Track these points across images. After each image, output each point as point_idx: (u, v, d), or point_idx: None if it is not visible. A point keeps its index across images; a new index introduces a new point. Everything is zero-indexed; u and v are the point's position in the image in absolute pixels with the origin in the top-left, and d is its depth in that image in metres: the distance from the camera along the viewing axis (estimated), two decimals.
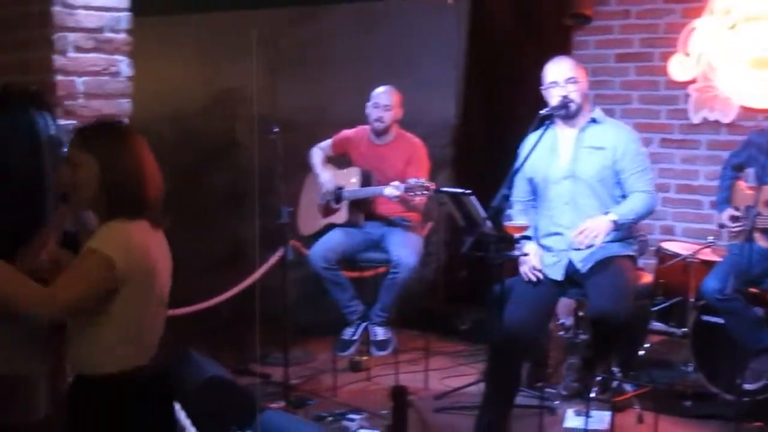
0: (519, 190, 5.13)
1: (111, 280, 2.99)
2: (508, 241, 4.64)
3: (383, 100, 6.55)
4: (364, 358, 6.47)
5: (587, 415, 5.05)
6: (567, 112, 5.01)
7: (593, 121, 5.10)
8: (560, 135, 5.12)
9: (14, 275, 2.96)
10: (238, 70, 6.83)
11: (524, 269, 5.08)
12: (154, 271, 3.12)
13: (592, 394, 5.40)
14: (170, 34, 7.15)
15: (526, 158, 4.85)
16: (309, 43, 7.70)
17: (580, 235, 4.84)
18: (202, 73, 7.64)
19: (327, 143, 6.81)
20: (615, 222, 4.88)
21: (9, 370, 3.42)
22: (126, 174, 3.10)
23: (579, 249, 4.94)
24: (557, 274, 5.06)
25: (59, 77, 4.23)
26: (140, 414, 3.17)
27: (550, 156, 5.09)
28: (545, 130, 4.94)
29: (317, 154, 6.79)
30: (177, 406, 4.74)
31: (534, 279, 5.02)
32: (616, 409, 5.23)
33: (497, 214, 4.57)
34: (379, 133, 6.59)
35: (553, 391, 5.69)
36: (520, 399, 5.19)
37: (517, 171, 4.81)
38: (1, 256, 3.03)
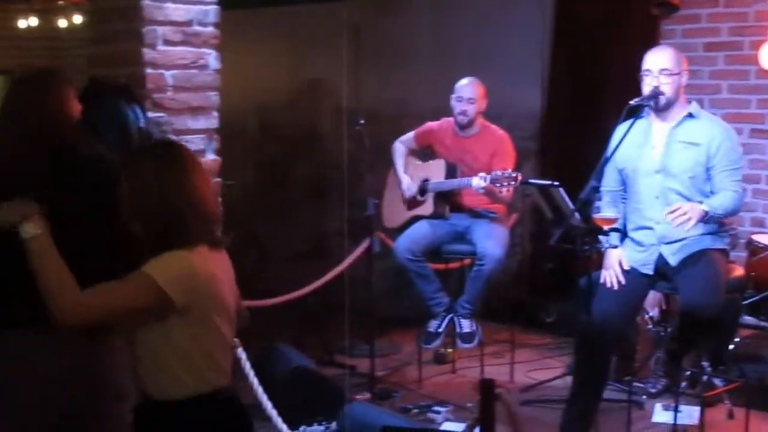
0: (608, 179, 5.05)
1: (149, 301, 2.93)
2: (596, 233, 4.59)
3: (467, 92, 6.48)
4: (450, 350, 6.46)
5: (676, 410, 4.98)
6: (657, 104, 4.90)
7: (690, 116, 4.97)
8: (654, 127, 5.00)
9: (63, 272, 2.92)
10: (322, 63, 6.88)
11: (606, 274, 4.98)
12: (218, 295, 3.06)
13: (681, 389, 5.33)
14: (256, 27, 7.22)
15: (616, 148, 4.79)
16: (392, 33, 7.70)
17: (674, 213, 4.70)
18: (287, 66, 7.71)
19: (409, 136, 6.76)
20: (706, 212, 4.77)
21: None
22: (151, 199, 3.00)
23: (669, 243, 4.85)
24: (647, 268, 4.98)
25: (148, 70, 4.29)
26: None
27: (642, 148, 4.99)
28: (636, 119, 4.86)
29: (399, 149, 6.73)
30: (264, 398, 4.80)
31: (615, 286, 4.94)
32: (706, 404, 5.14)
33: (586, 206, 4.53)
34: (464, 126, 6.53)
35: (641, 385, 5.63)
36: (607, 393, 5.15)
37: (606, 161, 4.75)
38: None
